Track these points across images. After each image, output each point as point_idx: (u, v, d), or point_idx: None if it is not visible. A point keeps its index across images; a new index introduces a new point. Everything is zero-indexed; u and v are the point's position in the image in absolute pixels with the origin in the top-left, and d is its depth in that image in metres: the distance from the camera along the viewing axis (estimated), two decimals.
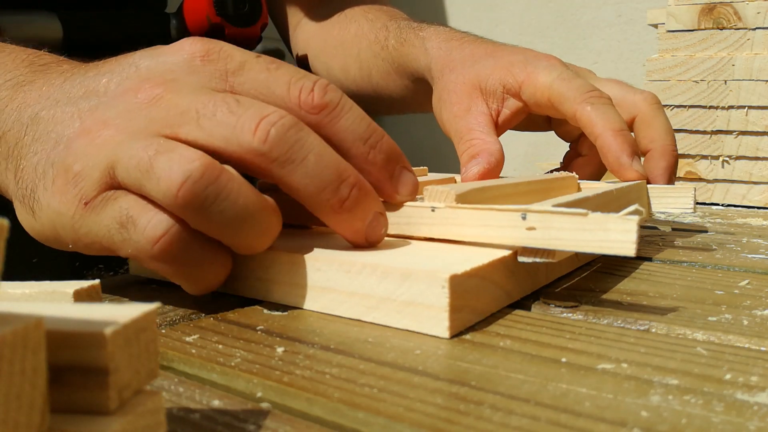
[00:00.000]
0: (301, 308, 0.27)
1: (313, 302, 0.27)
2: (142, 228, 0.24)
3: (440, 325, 0.23)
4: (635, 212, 0.24)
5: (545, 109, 0.42)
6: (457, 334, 0.24)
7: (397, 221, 0.30)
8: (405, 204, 0.30)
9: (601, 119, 0.38)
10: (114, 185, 0.25)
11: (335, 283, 0.26)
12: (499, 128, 0.44)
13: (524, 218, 0.26)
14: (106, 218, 0.25)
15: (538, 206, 0.26)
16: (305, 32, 0.68)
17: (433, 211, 0.29)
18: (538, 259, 0.26)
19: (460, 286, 0.24)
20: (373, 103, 0.65)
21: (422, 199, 0.30)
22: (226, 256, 0.26)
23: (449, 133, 0.45)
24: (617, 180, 0.40)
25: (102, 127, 0.25)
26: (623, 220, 0.24)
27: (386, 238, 0.30)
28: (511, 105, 0.44)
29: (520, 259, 0.27)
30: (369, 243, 0.28)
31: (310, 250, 0.28)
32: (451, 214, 0.28)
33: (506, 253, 0.27)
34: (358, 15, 0.63)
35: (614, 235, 0.24)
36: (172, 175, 0.23)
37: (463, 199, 0.29)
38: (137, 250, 0.24)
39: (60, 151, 0.26)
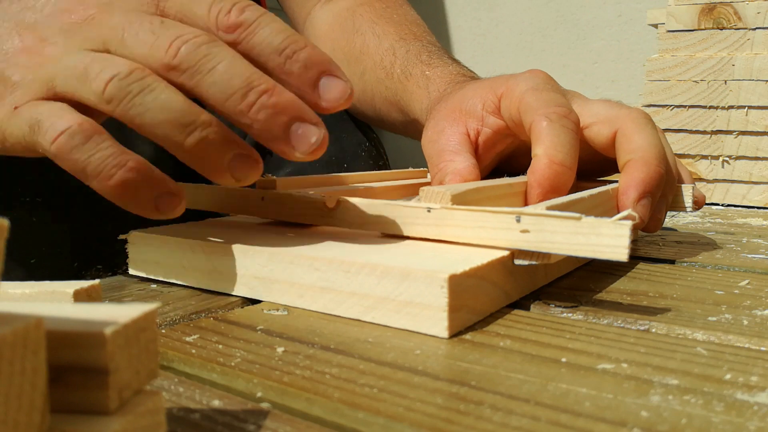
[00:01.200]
0: (301, 308, 0.27)
1: (312, 302, 0.27)
2: (45, 130, 0.26)
3: (439, 325, 0.23)
4: (628, 217, 0.24)
5: (518, 126, 0.37)
6: (455, 334, 0.24)
7: (392, 221, 0.30)
8: (401, 204, 0.30)
9: (549, 140, 0.34)
10: (50, 98, 0.28)
11: (334, 283, 0.26)
12: (482, 150, 0.40)
13: (518, 221, 0.26)
14: (22, 122, 0.27)
15: (532, 209, 0.26)
16: (315, 28, 0.65)
17: (429, 211, 0.29)
18: (534, 262, 0.26)
19: (459, 285, 0.24)
20: (375, 123, 0.62)
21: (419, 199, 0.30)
22: (139, 160, 0.27)
23: (426, 157, 0.41)
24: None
25: (41, 44, 0.28)
26: (616, 225, 0.24)
27: (384, 238, 0.31)
28: (491, 123, 0.39)
29: (517, 261, 0.27)
30: (300, 152, 0.27)
31: (309, 249, 0.28)
32: (446, 215, 0.28)
33: (504, 253, 0.27)
34: (366, 26, 0.59)
35: (607, 239, 0.24)
36: (102, 75, 0.26)
37: (459, 199, 0.29)
38: (43, 150, 0.27)
39: None
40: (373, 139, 0.67)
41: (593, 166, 0.41)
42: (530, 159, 0.35)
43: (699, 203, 0.39)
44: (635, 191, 0.34)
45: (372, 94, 0.58)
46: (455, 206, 0.28)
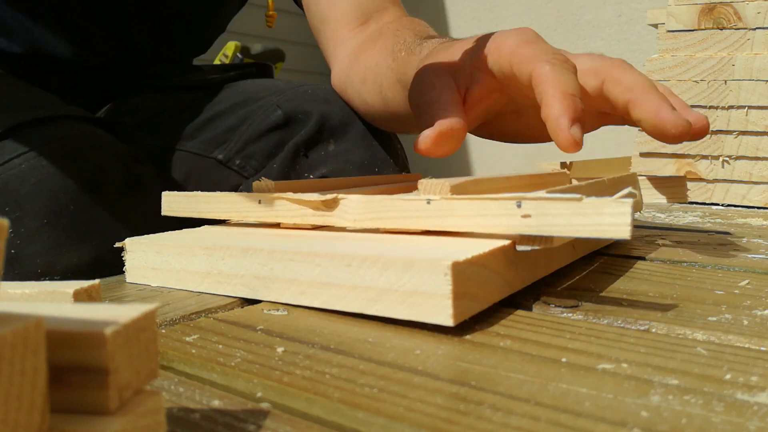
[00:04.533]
0: (302, 305, 0.27)
1: (314, 298, 0.27)
2: None
3: (444, 313, 0.23)
4: (629, 195, 0.24)
5: (509, 79, 0.38)
6: (460, 323, 0.24)
7: (392, 215, 0.30)
8: (400, 198, 0.30)
9: (555, 80, 0.34)
10: None
11: (335, 278, 0.26)
12: (470, 105, 0.41)
13: (519, 206, 0.26)
14: None
15: (533, 194, 0.26)
16: (345, 48, 0.66)
17: (428, 203, 0.29)
18: (536, 247, 0.26)
19: (462, 273, 0.24)
20: (386, 118, 0.63)
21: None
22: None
23: (414, 113, 0.42)
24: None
25: None
26: (618, 203, 0.24)
27: (384, 234, 0.31)
28: (479, 78, 0.40)
29: (519, 248, 0.27)
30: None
31: (308, 246, 0.28)
32: (446, 206, 0.28)
33: (505, 242, 0.27)
34: (389, 33, 0.61)
35: (609, 218, 0.24)
36: None
37: (458, 190, 0.29)
38: None
39: None
40: (399, 148, 0.70)
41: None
42: (518, 117, 0.37)
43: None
44: (667, 109, 0.34)
45: (381, 80, 0.59)
46: (455, 196, 0.28)
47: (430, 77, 0.41)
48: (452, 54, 0.42)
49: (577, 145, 0.33)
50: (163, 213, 0.38)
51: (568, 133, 0.32)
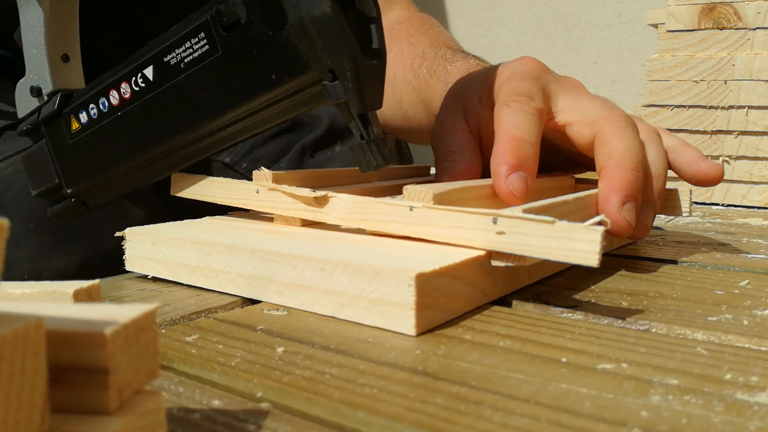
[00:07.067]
0: (281, 305, 0.27)
1: (290, 299, 0.27)
2: None
3: (407, 323, 0.24)
4: (601, 223, 0.24)
5: None
6: (424, 331, 0.24)
7: (377, 217, 0.30)
8: (385, 202, 0.30)
9: (506, 122, 0.34)
10: None
11: (311, 281, 0.26)
12: (485, 143, 0.39)
13: (495, 222, 0.26)
14: None
15: (509, 211, 0.26)
16: None
17: (411, 210, 0.29)
18: (510, 264, 0.26)
19: (428, 284, 0.24)
20: (404, 131, 0.62)
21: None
22: None
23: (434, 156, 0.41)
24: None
25: None
26: (588, 230, 0.24)
27: (365, 236, 0.31)
28: (486, 116, 0.38)
29: (493, 263, 0.27)
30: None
31: (289, 247, 0.28)
32: (427, 214, 0.28)
33: (481, 252, 0.27)
34: (402, 38, 0.60)
35: (578, 244, 0.24)
36: None
37: (441, 198, 0.29)
38: None
39: None
40: (404, 146, 0.70)
41: (580, 159, 0.40)
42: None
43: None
44: (617, 197, 0.32)
45: (401, 96, 0.59)
46: (436, 206, 0.28)
47: (444, 119, 0.40)
48: (464, 90, 0.40)
49: (511, 197, 0.32)
50: (171, 193, 0.39)
51: (503, 184, 0.32)
